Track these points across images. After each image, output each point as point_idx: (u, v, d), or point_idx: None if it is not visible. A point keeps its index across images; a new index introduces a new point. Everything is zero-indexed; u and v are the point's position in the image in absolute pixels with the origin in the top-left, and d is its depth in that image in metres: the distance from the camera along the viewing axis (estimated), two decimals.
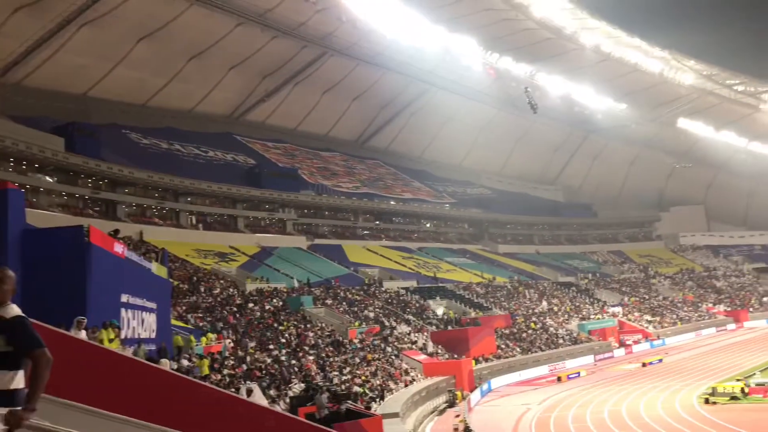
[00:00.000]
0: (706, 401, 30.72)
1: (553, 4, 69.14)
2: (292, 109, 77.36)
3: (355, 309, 46.91)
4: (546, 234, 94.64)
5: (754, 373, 36.32)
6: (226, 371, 26.26)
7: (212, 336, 29.99)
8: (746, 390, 31.16)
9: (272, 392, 26.01)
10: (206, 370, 25.28)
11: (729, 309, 79.32)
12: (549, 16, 71.29)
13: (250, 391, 15.91)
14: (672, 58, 78.27)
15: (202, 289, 38.62)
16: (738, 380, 33.38)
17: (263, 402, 15.11)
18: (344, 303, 47.32)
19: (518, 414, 32.61)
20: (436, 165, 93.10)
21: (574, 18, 72.03)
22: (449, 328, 49.89)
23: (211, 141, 68.87)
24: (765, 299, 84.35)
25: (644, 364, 48.09)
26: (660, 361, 49.65)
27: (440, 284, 61.23)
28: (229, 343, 30.09)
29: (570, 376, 45.38)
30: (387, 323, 46.07)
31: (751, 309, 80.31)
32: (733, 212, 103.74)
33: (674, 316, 72.54)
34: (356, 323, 42.62)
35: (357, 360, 36.49)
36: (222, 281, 43.42)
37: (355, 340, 39.87)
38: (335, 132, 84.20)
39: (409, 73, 78.04)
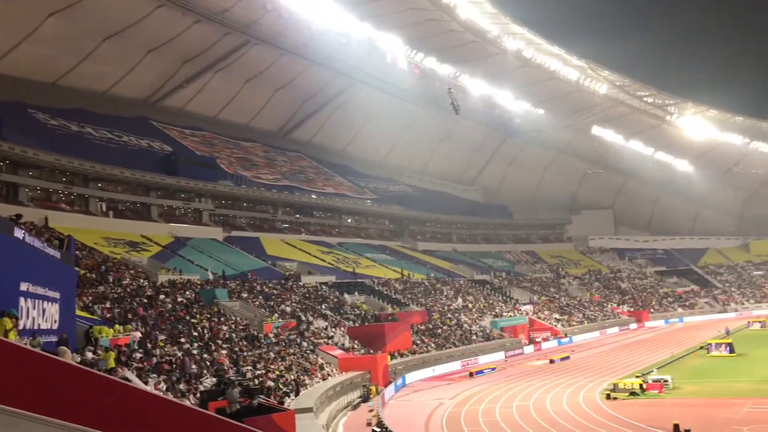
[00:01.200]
0: (608, 397, 32.12)
1: (477, 7, 70.45)
2: (213, 97, 75.27)
3: (272, 303, 46.18)
4: (464, 233, 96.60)
5: (652, 371, 38.33)
6: (134, 365, 25.29)
7: (119, 328, 28.73)
8: (644, 386, 32.83)
9: (182, 386, 25.26)
10: (112, 363, 24.22)
11: (632, 309, 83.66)
12: (473, 19, 72.59)
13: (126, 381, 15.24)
14: (588, 68, 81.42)
15: (111, 279, 36.87)
16: (637, 377, 35.15)
17: None
18: (260, 297, 46.48)
19: (431, 409, 33.03)
20: (358, 160, 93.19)
21: (497, 23, 73.67)
22: (366, 323, 50.03)
23: (125, 125, 65.97)
24: (664, 301, 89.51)
25: (552, 361, 49.82)
26: (567, 358, 51.60)
27: (359, 280, 61.27)
28: (138, 335, 28.90)
29: (480, 372, 46.42)
30: (304, 318, 45.64)
31: (651, 310, 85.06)
32: (639, 218, 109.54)
33: (581, 315, 75.69)
34: (272, 317, 41.96)
35: (272, 355, 35.95)
36: (132, 271, 41.64)
37: (271, 335, 39.24)
38: (257, 122, 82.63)
39: (335, 66, 77.58)
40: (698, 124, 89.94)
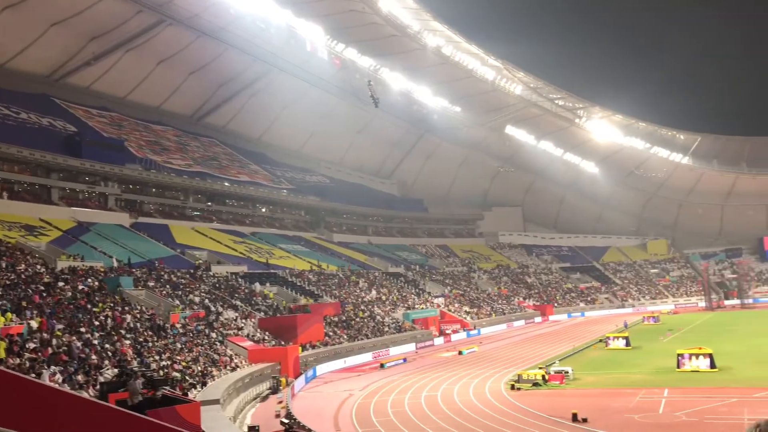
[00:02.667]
0: (512, 387, 33.16)
1: (399, 1, 70.80)
2: (122, 77, 71.93)
3: (180, 293, 44.78)
4: (380, 226, 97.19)
5: (554, 362, 39.93)
6: (27, 355, 23.84)
7: (11, 316, 26.99)
8: (546, 377, 34.12)
9: (80, 377, 24.05)
10: (2, 353, 22.82)
11: (537, 303, 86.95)
12: (395, 13, 72.95)
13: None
14: (504, 68, 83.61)
15: (4, 265, 34.58)
16: (540, 368, 36.47)
17: None
18: (168, 286, 44.95)
19: (340, 400, 33.01)
20: (275, 149, 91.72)
21: (418, 18, 74.36)
22: (278, 314, 49.42)
23: (24, 102, 61.92)
24: (568, 296, 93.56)
25: (461, 353, 50.98)
26: (475, 349, 52.93)
27: (272, 270, 60.39)
28: (33, 324, 27.23)
29: (391, 364, 46.87)
30: (213, 308, 44.52)
31: (555, 304, 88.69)
32: (546, 216, 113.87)
33: (490, 308, 77.91)
34: (180, 307, 40.67)
35: (178, 345, 34.85)
36: (29, 257, 39.20)
37: (178, 325, 38.05)
38: (169, 105, 79.68)
39: (252, 52, 75.94)
40: (604, 128, 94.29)
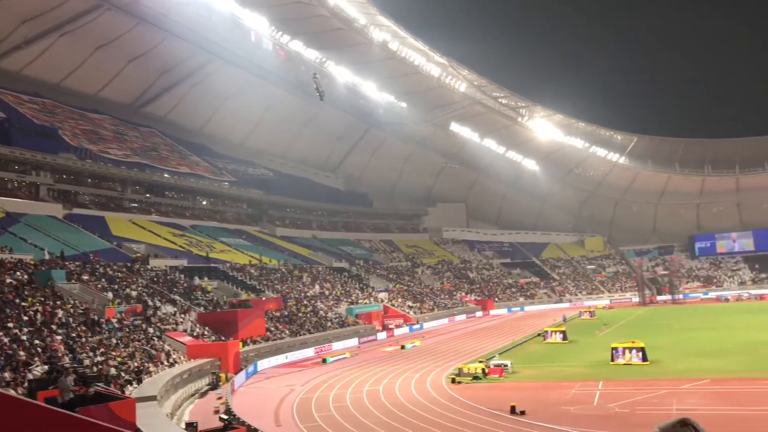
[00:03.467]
0: (453, 381, 33.52)
1: None
2: (57, 62, 69.06)
3: (116, 287, 43.40)
4: (324, 220, 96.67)
5: (494, 356, 40.61)
6: None
7: None
8: (486, 370, 34.65)
9: (7, 375, 23.00)
10: None
11: (479, 298, 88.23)
12: (341, 6, 72.48)
13: None
14: (450, 66, 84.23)
15: None
16: (480, 362, 37.02)
17: None
18: (103, 279, 43.51)
19: (282, 395, 32.67)
20: (217, 140, 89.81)
21: (365, 12, 74.08)
22: (218, 309, 48.54)
23: None
24: (508, 290, 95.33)
25: (403, 347, 51.23)
26: (417, 344, 53.28)
27: (212, 264, 59.24)
28: None
29: (333, 359, 46.70)
30: (151, 303, 43.33)
31: (496, 299, 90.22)
32: (489, 212, 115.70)
33: (432, 303, 78.62)
34: (115, 302, 39.40)
35: (113, 341, 33.77)
36: None
37: (113, 320, 36.87)
38: (107, 93, 77.01)
39: (195, 41, 74.21)
40: (546, 127, 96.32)
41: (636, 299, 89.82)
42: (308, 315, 56.60)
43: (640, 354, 35.23)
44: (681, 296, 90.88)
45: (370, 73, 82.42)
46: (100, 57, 71.43)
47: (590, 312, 70.91)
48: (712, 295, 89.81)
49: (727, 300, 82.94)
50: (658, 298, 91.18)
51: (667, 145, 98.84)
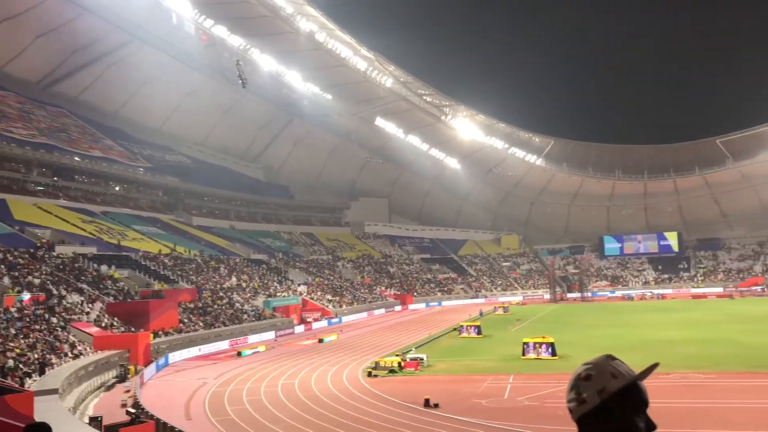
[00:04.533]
0: (369, 374, 33.58)
1: None
2: None
3: (17, 274, 40.93)
4: (243, 210, 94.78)
5: (411, 350, 41.04)
6: None
7: None
8: (402, 364, 34.94)
9: None
10: None
11: (398, 292, 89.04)
12: None
13: None
14: (377, 60, 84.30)
15: None
16: (397, 355, 37.30)
17: None
18: (3, 266, 40.93)
19: (193, 388, 31.74)
20: (133, 124, 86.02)
21: (292, 1, 72.95)
22: (129, 299, 46.69)
23: None
24: (427, 286, 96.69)
25: (321, 341, 50.94)
26: (336, 337, 53.14)
27: (124, 253, 56.87)
28: None
29: (248, 352, 45.88)
30: (55, 292, 41.15)
31: (415, 294, 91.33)
32: (411, 208, 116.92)
33: (352, 297, 78.65)
34: (15, 289, 37.14)
35: (12, 331, 31.84)
36: None
37: (12, 309, 34.78)
38: (11, 69, 72.24)
39: (112, 19, 70.82)
40: (468, 127, 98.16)
41: (548, 296, 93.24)
42: (224, 307, 55.33)
43: (550, 349, 36.46)
44: (590, 294, 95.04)
45: (295, 63, 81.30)
46: (5, 30, 66.93)
47: (504, 308, 72.97)
48: (618, 293, 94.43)
49: (631, 299, 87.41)
50: (569, 295, 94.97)
51: (582, 149, 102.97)
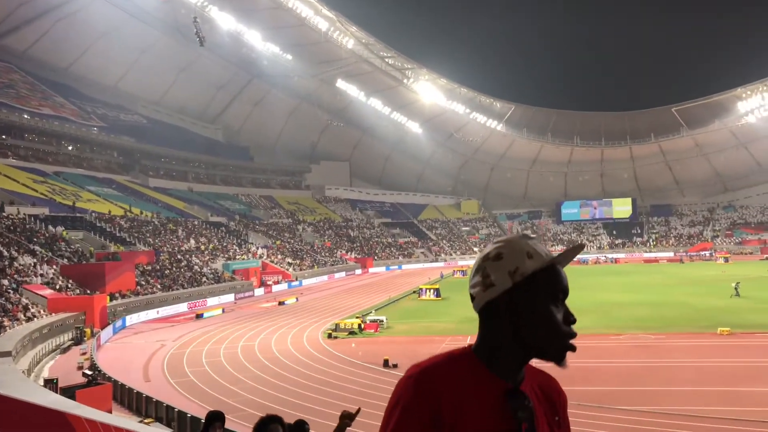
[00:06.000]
0: (329, 336, 33.84)
1: None
2: None
3: None
4: (201, 172, 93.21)
5: (370, 312, 41.41)
6: None
7: None
8: (362, 326, 35.27)
9: None
10: None
11: (359, 256, 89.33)
12: None
13: None
14: (338, 21, 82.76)
15: None
16: (357, 317, 37.61)
17: None
18: None
19: (152, 351, 31.50)
20: (86, 82, 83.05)
21: None
22: (84, 261, 45.75)
23: None
24: (387, 249, 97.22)
25: (281, 303, 50.98)
26: (296, 300, 53.23)
27: (78, 214, 55.47)
28: None
29: (208, 314, 45.67)
30: (6, 253, 40.02)
31: (375, 257, 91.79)
32: (372, 172, 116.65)
33: (312, 260, 78.63)
34: None
35: None
36: None
37: None
38: None
39: None
40: (430, 91, 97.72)
41: None
42: (182, 270, 54.72)
43: None
44: None
45: (255, 21, 79.30)
46: None
47: (463, 271, 73.99)
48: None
49: (586, 263, 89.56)
50: None
51: (542, 115, 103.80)
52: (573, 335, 1.61)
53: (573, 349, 1.61)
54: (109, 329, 36.61)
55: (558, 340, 1.59)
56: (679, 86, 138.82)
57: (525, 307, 1.59)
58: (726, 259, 78.95)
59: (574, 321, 1.62)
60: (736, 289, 42.39)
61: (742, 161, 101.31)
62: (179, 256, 57.47)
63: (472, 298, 1.65)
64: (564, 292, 1.64)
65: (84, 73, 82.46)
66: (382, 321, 36.57)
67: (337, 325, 35.71)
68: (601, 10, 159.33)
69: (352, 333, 34.27)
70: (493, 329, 1.63)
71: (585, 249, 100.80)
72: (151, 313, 43.96)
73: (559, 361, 1.60)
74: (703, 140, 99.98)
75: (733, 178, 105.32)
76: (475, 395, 1.54)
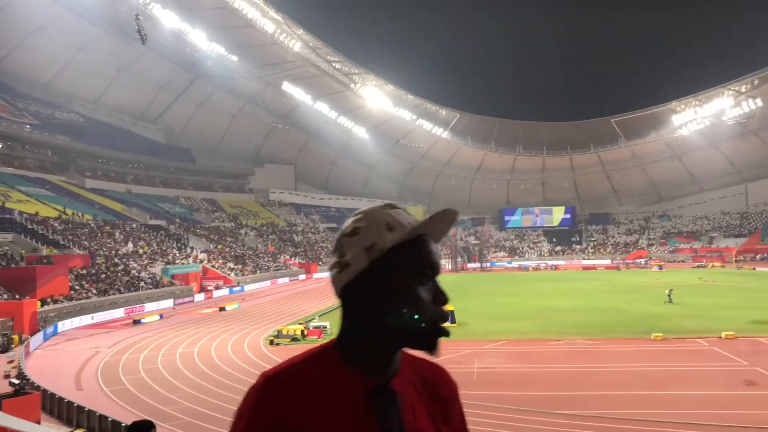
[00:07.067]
0: (271, 342, 33.31)
1: None
2: None
3: None
4: (140, 174, 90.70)
5: (314, 318, 41.01)
6: None
7: None
8: (305, 332, 34.87)
9: None
10: None
11: (303, 261, 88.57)
12: None
13: None
14: (285, 23, 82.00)
15: None
16: (300, 324, 37.18)
17: None
18: None
19: (85, 358, 30.30)
20: (18, 78, 79.41)
21: None
22: (13, 265, 43.73)
23: None
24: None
25: (222, 309, 49.95)
26: (237, 306, 52.26)
27: (7, 215, 52.99)
28: None
29: (145, 320, 44.34)
30: None
31: (320, 262, 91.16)
32: (318, 176, 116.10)
33: (254, 265, 77.47)
34: None
35: None
36: None
37: None
38: None
39: None
40: (377, 97, 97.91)
41: (449, 266, 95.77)
42: (119, 274, 53.00)
43: (450, 317, 37.50)
44: (488, 264, 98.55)
45: (199, 21, 77.74)
46: None
47: None
48: (515, 264, 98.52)
49: (527, 269, 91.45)
50: (469, 265, 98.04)
51: (486, 124, 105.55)
52: (443, 317, 1.41)
53: (446, 333, 1.41)
54: (39, 336, 35.07)
55: (424, 323, 1.37)
56: (618, 99, 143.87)
57: (383, 286, 1.37)
58: (660, 267, 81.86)
59: (445, 301, 1.44)
60: (669, 296, 43.96)
61: (676, 172, 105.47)
62: (116, 260, 55.67)
63: (332, 283, 1.43)
64: (432, 267, 1.42)
65: (16, 69, 78.85)
66: (326, 327, 36.23)
67: (279, 331, 35.21)
68: (546, 22, 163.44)
69: (294, 339, 33.82)
70: (353, 317, 1.41)
71: (526, 255, 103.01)
72: (86, 319, 42.38)
73: (431, 348, 1.39)
74: (639, 151, 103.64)
75: (667, 188, 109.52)
76: (332, 397, 1.35)
